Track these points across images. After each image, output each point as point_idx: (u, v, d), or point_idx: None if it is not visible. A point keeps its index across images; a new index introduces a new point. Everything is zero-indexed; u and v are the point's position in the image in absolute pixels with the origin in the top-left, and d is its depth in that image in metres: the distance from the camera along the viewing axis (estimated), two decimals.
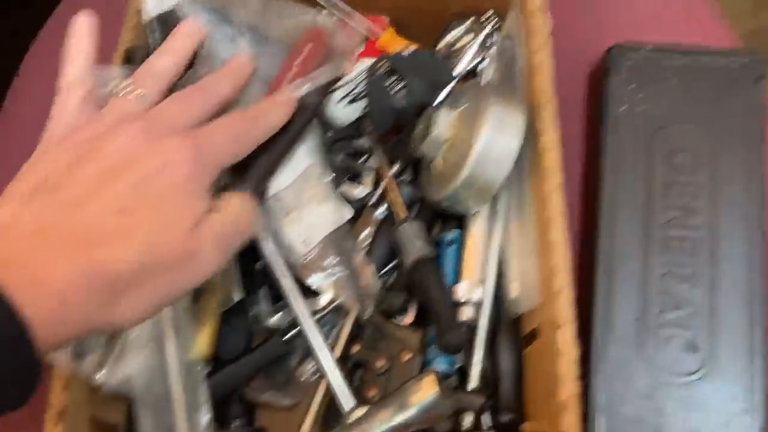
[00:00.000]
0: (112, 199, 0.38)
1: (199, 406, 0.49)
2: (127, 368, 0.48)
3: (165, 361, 0.49)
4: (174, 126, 0.42)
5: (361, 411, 0.50)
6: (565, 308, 0.46)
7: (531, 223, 0.51)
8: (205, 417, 0.49)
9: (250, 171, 0.48)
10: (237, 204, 0.44)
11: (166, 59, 0.47)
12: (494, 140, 0.49)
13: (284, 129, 0.48)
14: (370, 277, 0.53)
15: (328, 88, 0.55)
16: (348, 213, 0.55)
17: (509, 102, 0.51)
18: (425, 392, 0.48)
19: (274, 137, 0.47)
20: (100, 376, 0.48)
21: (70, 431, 0.46)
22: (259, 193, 0.51)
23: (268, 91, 0.53)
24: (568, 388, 0.45)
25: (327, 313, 0.53)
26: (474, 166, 0.50)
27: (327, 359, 0.51)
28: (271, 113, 0.48)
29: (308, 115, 0.52)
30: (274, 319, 0.54)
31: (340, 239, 0.54)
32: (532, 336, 0.51)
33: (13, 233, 0.36)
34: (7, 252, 0.35)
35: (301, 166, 0.54)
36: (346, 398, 0.50)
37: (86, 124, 0.42)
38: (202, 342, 0.52)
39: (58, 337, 0.34)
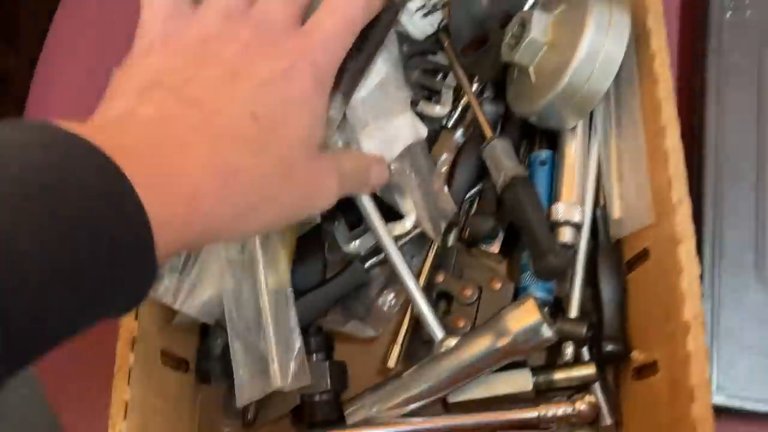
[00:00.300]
0: (242, 102, 0.34)
1: (289, 332, 0.45)
2: (205, 294, 0.45)
3: (256, 285, 0.45)
4: (284, 24, 0.38)
5: (453, 341, 0.46)
6: (684, 221, 0.42)
7: (637, 136, 0.47)
8: (296, 343, 0.45)
9: (340, 74, 0.44)
10: (375, 163, 0.45)
11: None
12: (599, 42, 0.45)
13: (371, 27, 0.44)
14: (447, 199, 0.49)
15: None
16: (423, 130, 0.51)
17: (613, 1, 0.46)
18: (525, 318, 0.44)
19: (361, 36, 0.43)
20: (177, 303, 0.44)
21: (142, 361, 0.43)
22: (349, 98, 0.46)
23: None
24: (693, 306, 0.40)
25: (410, 238, 0.49)
26: (576, 72, 0.45)
27: (415, 287, 0.47)
28: None
29: (394, 11, 0.47)
30: (354, 245, 0.50)
31: (416, 157, 0.49)
32: (641, 257, 0.46)
33: (133, 124, 0.32)
34: (129, 142, 0.29)
35: (379, 76, 0.49)
36: (436, 328, 0.47)
37: (191, 22, 0.38)
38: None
39: (177, 244, 0.30)
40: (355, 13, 0.40)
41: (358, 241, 0.50)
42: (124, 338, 0.42)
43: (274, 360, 0.44)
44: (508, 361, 0.46)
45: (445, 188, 0.50)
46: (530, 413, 0.46)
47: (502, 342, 0.44)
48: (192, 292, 0.45)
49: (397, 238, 0.49)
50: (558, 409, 0.46)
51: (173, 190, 0.29)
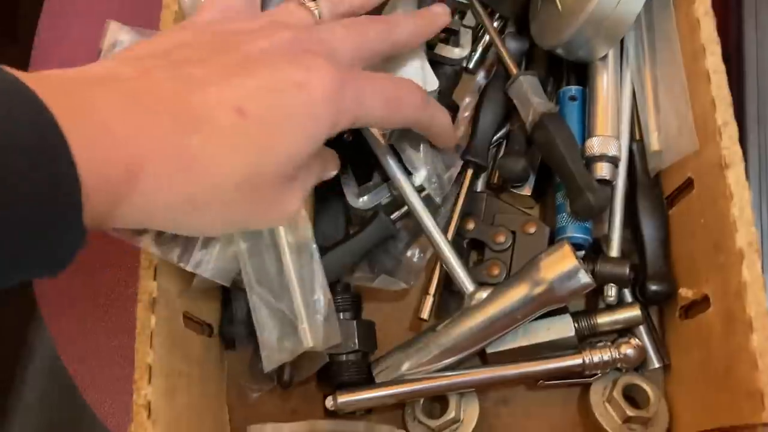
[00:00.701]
0: (234, 91, 0.31)
1: (317, 290, 0.43)
2: (217, 254, 0.42)
3: (275, 243, 0.43)
4: (331, 51, 0.35)
5: (484, 293, 0.44)
6: (731, 144, 0.39)
7: (674, 60, 0.44)
8: (324, 300, 0.42)
9: None
10: (332, 158, 0.41)
11: None
12: None
13: None
14: (456, 164, 0.47)
15: None
16: (434, 82, 0.48)
17: None
18: (561, 264, 0.42)
19: None
20: (189, 264, 0.42)
21: (163, 323, 0.41)
22: None
23: None
24: (746, 233, 0.38)
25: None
26: None
27: (440, 238, 0.45)
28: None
29: None
30: (362, 201, 0.48)
31: None
32: (683, 189, 0.44)
33: (103, 81, 0.29)
34: (84, 97, 0.27)
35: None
36: (466, 280, 0.44)
37: (242, 17, 0.36)
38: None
39: (109, 214, 0.28)
40: (405, 100, 0.39)
41: (366, 197, 0.48)
42: (143, 300, 0.40)
43: (303, 320, 0.42)
44: (544, 311, 0.43)
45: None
46: (574, 360, 0.44)
47: (538, 290, 0.42)
48: (203, 252, 0.42)
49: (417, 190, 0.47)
50: (603, 355, 0.44)
51: (112, 155, 0.27)
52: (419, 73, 0.47)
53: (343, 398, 0.45)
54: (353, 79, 0.35)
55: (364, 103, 0.35)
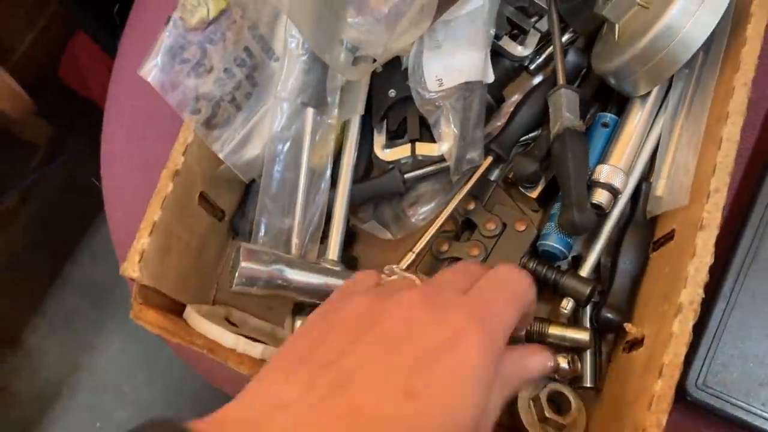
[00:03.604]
0: (396, 376, 0.30)
1: (316, 210, 0.49)
2: (251, 152, 0.49)
3: (298, 161, 0.49)
4: (454, 292, 0.34)
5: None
6: (713, 209, 0.41)
7: (702, 117, 0.45)
8: (315, 222, 0.48)
9: None
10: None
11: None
12: (690, 11, 0.43)
13: None
14: (479, 152, 0.50)
15: None
16: (490, 77, 0.51)
17: None
18: None
19: None
20: (222, 152, 0.48)
21: (179, 192, 0.47)
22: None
23: None
24: (692, 291, 0.40)
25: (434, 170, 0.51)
26: (657, 35, 0.44)
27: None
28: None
29: None
30: (386, 153, 0.52)
31: (472, 98, 0.50)
32: (667, 238, 0.46)
33: (270, 417, 0.29)
34: None
35: (473, 5, 0.50)
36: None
37: (365, 296, 0.35)
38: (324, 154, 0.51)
39: None
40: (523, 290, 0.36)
41: (389, 151, 0.52)
42: (168, 168, 0.47)
43: (294, 233, 0.48)
44: None
45: (482, 137, 0.50)
46: None
47: None
48: (239, 147, 0.48)
49: (424, 160, 0.51)
50: None
51: None
52: (482, 62, 0.50)
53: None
54: (481, 303, 0.34)
55: (501, 315, 0.34)
